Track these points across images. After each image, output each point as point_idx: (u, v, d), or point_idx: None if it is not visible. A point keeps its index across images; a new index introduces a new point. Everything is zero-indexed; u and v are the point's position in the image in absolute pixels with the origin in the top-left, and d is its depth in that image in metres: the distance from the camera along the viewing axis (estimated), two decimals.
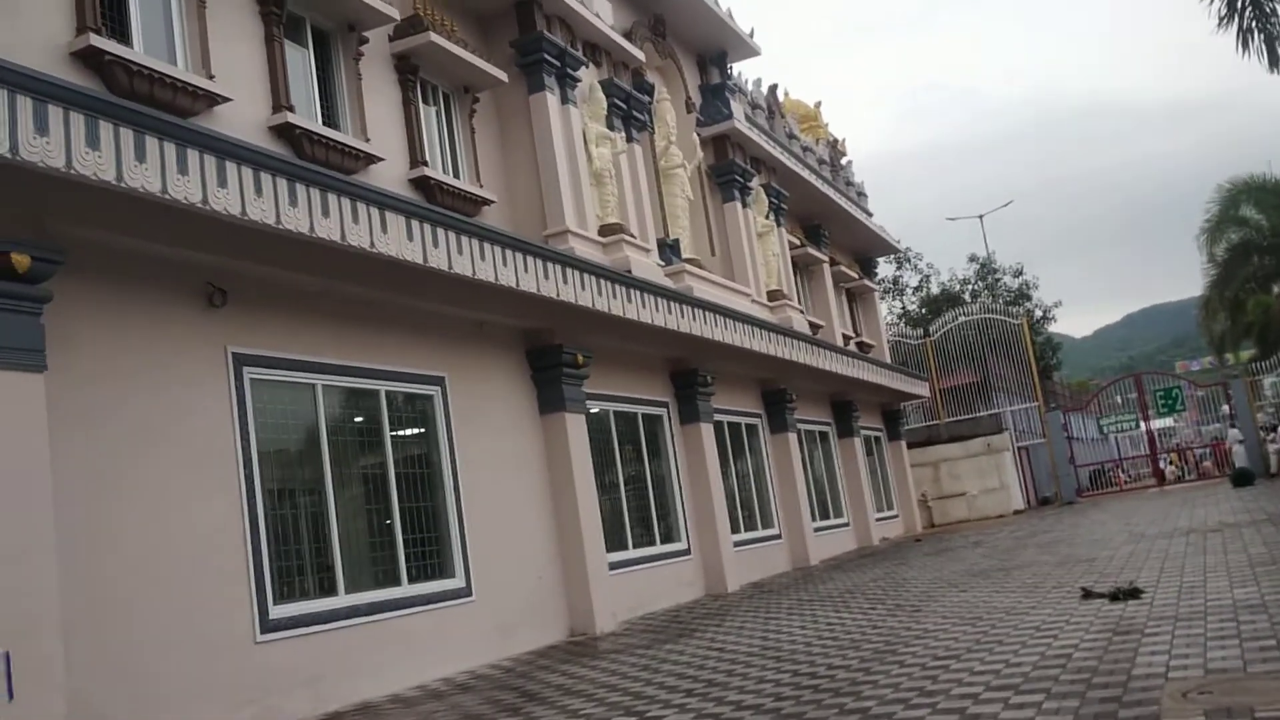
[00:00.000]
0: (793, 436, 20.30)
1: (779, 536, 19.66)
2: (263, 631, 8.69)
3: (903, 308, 45.60)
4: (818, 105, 28.66)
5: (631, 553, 14.51)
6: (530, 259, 11.25)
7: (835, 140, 28.43)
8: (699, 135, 18.91)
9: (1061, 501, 30.71)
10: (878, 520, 25.44)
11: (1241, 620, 7.53)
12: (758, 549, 18.50)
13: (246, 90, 9.99)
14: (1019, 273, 46.84)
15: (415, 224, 9.56)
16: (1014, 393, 33.42)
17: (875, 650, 8.49)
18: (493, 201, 13.01)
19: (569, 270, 11.93)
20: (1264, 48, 6.88)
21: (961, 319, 32.89)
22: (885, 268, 44.98)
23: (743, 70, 21.77)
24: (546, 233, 13.39)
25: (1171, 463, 40.25)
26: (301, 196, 8.37)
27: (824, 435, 23.73)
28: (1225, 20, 6.89)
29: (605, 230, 14.33)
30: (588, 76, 14.99)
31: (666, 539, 15.65)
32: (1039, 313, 46.11)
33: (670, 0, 17.81)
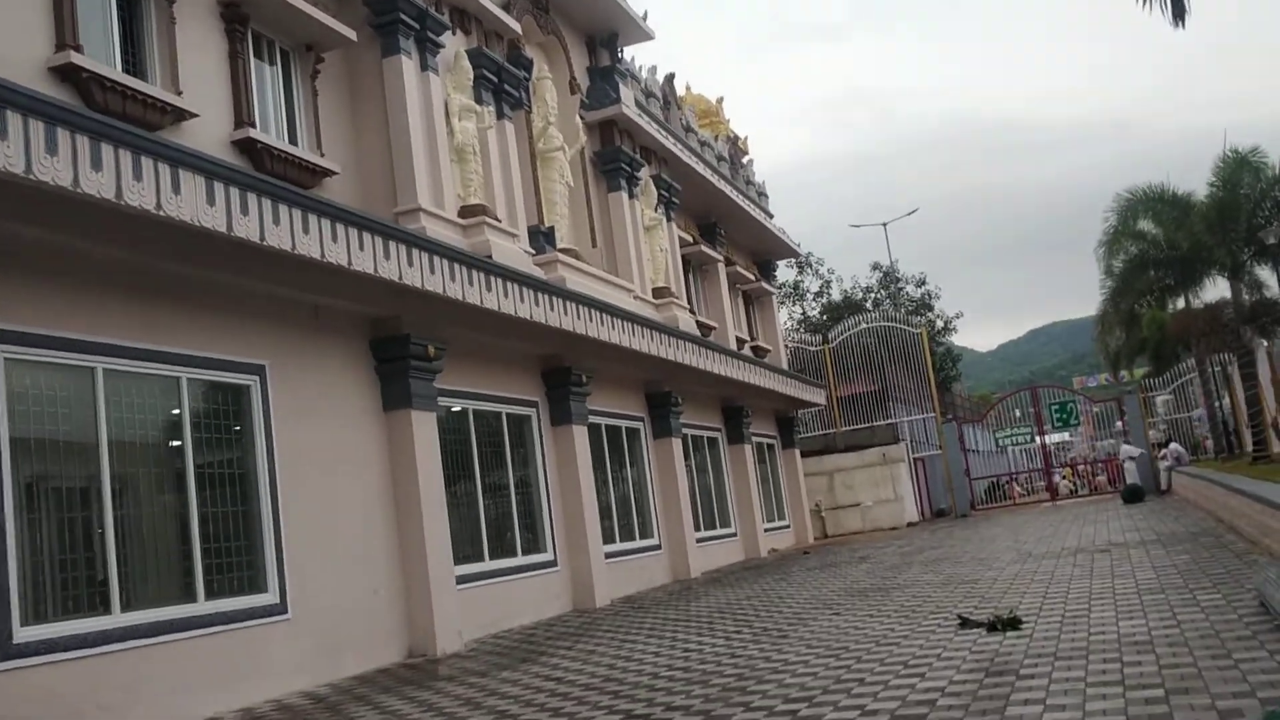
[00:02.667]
0: (677, 442, 19.30)
1: (658, 547, 18.64)
2: (3, 659, 7.32)
3: (803, 313, 45.03)
4: (719, 101, 27.80)
5: (488, 564, 13.32)
6: (368, 236, 10.03)
7: (736, 137, 27.56)
8: (583, 118, 17.78)
9: (956, 514, 30.26)
10: (767, 531, 24.61)
11: (1126, 661, 6.65)
12: (634, 561, 17.46)
13: (23, 30, 8.60)
14: (921, 282, 46.65)
15: (220, 186, 8.27)
16: (912, 403, 32.94)
17: (724, 687, 7.45)
18: (335, 173, 11.70)
19: (415, 251, 10.73)
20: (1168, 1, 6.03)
21: (862, 326, 32.27)
22: (787, 272, 44.45)
23: (636, 56, 20.79)
24: (396, 210, 12.14)
25: (1065, 477, 40.37)
26: (64, 146, 7.05)
27: (713, 441, 22.79)
28: None
29: (466, 211, 13.11)
30: (454, 44, 13.77)
31: (531, 550, 14.49)
32: (940, 323, 45.96)
33: None
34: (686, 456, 20.52)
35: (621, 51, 19.43)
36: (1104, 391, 46.12)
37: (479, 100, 13.91)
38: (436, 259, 11.07)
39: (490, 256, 12.48)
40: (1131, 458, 29.09)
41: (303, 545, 10.20)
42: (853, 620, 10.38)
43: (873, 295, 45.11)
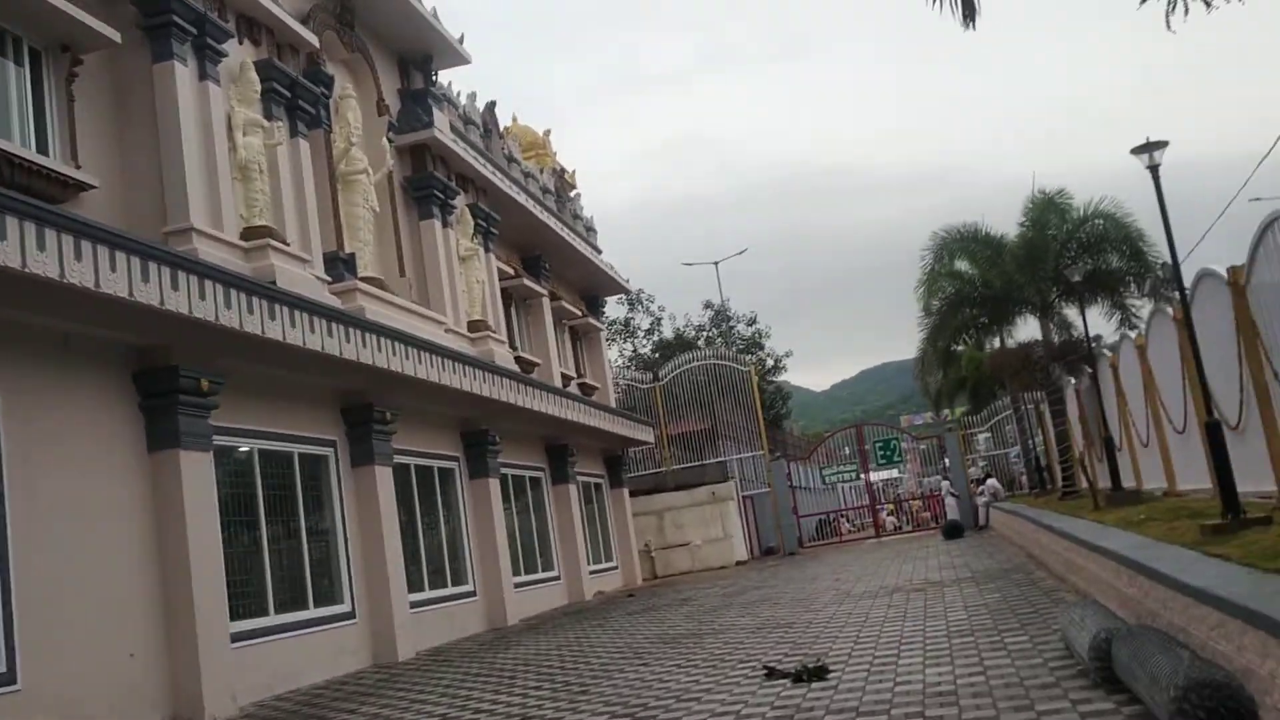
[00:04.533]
0: (494, 482, 18.44)
1: (473, 594, 17.69)
2: None
3: (634, 350, 44.74)
4: (547, 133, 27.29)
5: (273, 619, 12.17)
6: (122, 255, 8.98)
7: (563, 170, 27.05)
8: (392, 141, 16.88)
9: (784, 552, 30.20)
10: (594, 573, 23.90)
11: (929, 715, 6.19)
12: (445, 609, 16.47)
13: None
14: (752, 321, 47.04)
15: None
16: (742, 441, 32.88)
17: None
18: (94, 187, 10.54)
19: (182, 274, 9.70)
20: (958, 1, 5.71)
21: (692, 364, 32.07)
22: (618, 309, 44.10)
23: (458, 82, 20.02)
24: (166, 230, 11.03)
25: (890, 513, 41.10)
26: None
27: (535, 481, 22.00)
28: None
29: (249, 233, 12.07)
30: (241, 53, 12.76)
31: (325, 601, 13.38)
32: (770, 362, 46.37)
33: None
34: (506, 498, 19.68)
35: (436, 75, 18.64)
36: (929, 429, 47.29)
37: (268, 115, 12.90)
38: (209, 283, 10.05)
39: (274, 282, 11.48)
40: (952, 494, 29.64)
41: (41, 604, 8.95)
42: (659, 671, 9.77)
43: (705, 333, 45.22)
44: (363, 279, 14.64)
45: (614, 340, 43.68)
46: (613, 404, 28.26)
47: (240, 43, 12.74)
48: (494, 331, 18.66)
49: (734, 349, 41.30)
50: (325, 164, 14.64)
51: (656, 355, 41.36)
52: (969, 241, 21.69)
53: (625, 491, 27.72)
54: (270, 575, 12.30)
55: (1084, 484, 17.65)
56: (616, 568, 26.31)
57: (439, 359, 14.95)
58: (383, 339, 13.32)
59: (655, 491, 30.05)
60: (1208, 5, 4.95)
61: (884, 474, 51.10)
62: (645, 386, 32.53)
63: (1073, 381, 20.13)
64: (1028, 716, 5.83)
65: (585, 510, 24.68)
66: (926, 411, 64.54)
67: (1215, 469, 8.83)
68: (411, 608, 14.82)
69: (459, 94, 20.37)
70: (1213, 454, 9.05)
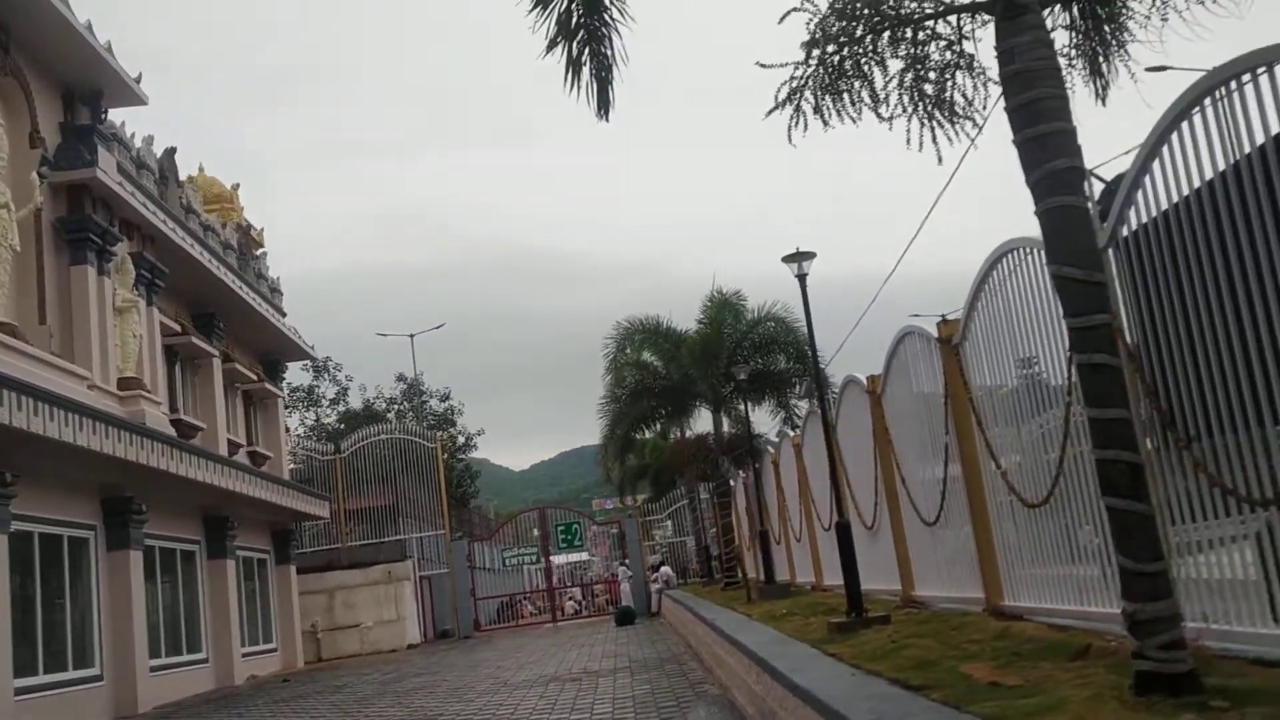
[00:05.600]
0: (136, 554, 16.88)
1: (99, 679, 15.99)
2: None
3: (316, 419, 42.96)
4: (235, 188, 25.97)
5: None
6: None
7: (250, 226, 25.76)
8: (43, 176, 15.42)
9: (459, 635, 29.47)
10: (248, 655, 22.30)
11: None
12: (60, 696, 14.77)
13: None
14: (445, 397, 46.43)
15: None
16: (425, 519, 32.05)
17: None
18: None
19: None
20: (594, 86, 5.75)
21: (376, 437, 31.09)
22: (303, 375, 42.31)
23: (128, 120, 18.60)
24: None
25: (573, 598, 41.21)
26: None
27: (188, 555, 20.38)
28: (553, 42, 5.62)
29: None
30: None
31: None
32: (461, 439, 45.82)
33: (16, 6, 14.45)
34: (151, 572, 18.07)
35: (106, 113, 17.29)
36: (615, 514, 48.07)
37: None
38: None
39: None
40: (628, 578, 30.03)
41: None
42: None
43: (396, 407, 44.16)
44: None
45: (295, 408, 41.79)
46: (287, 475, 26.84)
47: None
48: (148, 391, 17.23)
49: (425, 424, 40.51)
50: None
51: (342, 426, 39.89)
52: (651, 334, 22.38)
53: (292, 568, 26.22)
54: None
55: (745, 575, 18.28)
56: (276, 650, 24.72)
57: (74, 416, 13.59)
58: (4, 391, 11.94)
59: (328, 569, 28.63)
60: (825, 124, 5.17)
61: (573, 557, 51.45)
62: (325, 458, 31.17)
63: (740, 475, 20.97)
64: None
65: (245, 587, 23.11)
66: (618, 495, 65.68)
67: (844, 568, 9.26)
68: (16, 695, 13.17)
69: (133, 135, 18.98)
70: (841, 553, 9.50)
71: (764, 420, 24.68)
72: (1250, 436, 4.47)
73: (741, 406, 22.60)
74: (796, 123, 5.15)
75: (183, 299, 21.02)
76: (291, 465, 31.35)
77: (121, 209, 17.19)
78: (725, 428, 21.67)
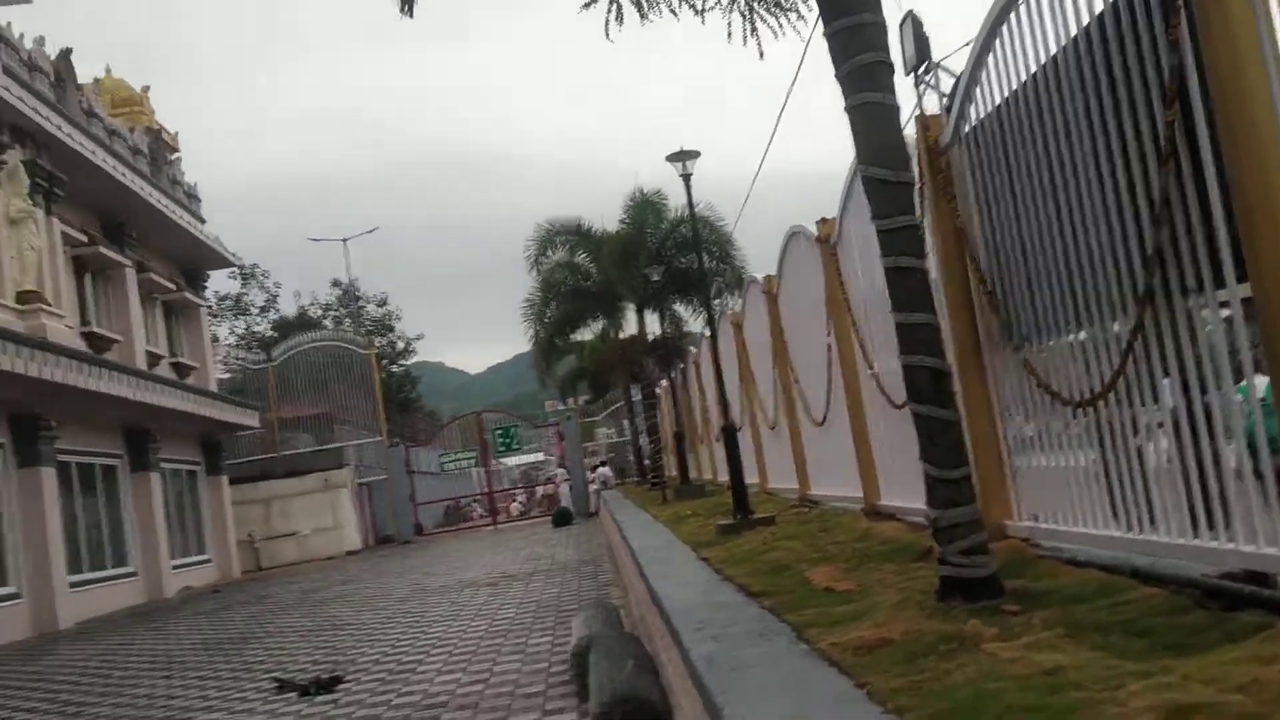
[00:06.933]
0: (47, 471, 16.65)
1: (18, 596, 15.90)
2: None
3: (247, 327, 42.23)
4: (145, 90, 25.06)
5: None
6: None
7: (161, 130, 24.92)
8: None
9: (400, 540, 29.60)
10: (180, 567, 22.27)
11: None
12: None
13: None
14: (383, 302, 45.85)
15: None
16: (363, 426, 31.92)
17: None
18: None
19: None
20: None
21: (307, 345, 30.71)
22: (230, 284, 41.36)
23: (13, 21, 17.75)
24: None
25: (518, 500, 41.52)
26: None
27: (109, 470, 20.16)
28: None
29: None
30: None
31: None
32: (402, 344, 45.47)
33: None
34: (68, 488, 17.87)
35: None
36: (558, 415, 48.17)
37: None
38: None
39: None
40: (566, 480, 30.20)
41: None
42: (175, 686, 9.04)
43: (333, 313, 43.58)
44: None
45: (224, 318, 41.01)
46: (214, 385, 26.50)
47: None
48: (49, 305, 16.76)
49: (363, 330, 40.11)
50: None
51: (276, 335, 39.31)
52: (572, 235, 22.08)
53: (224, 479, 26.08)
54: None
55: (664, 476, 18.39)
56: (211, 560, 24.71)
57: None
58: None
59: (263, 479, 28.52)
60: (642, 16, 4.94)
61: (528, 458, 51.48)
62: (257, 367, 30.82)
63: (664, 377, 20.98)
64: None
65: (175, 499, 22.98)
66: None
67: (730, 470, 9.27)
68: None
69: (21, 36, 18.13)
70: (728, 455, 9.51)
71: (697, 322, 24.61)
72: (1074, 339, 4.41)
73: (671, 309, 22.53)
74: (615, 15, 4.91)
75: (89, 208, 20.37)
76: (226, 375, 31.00)
77: (10, 114, 16.48)
78: (657, 329, 21.55)
